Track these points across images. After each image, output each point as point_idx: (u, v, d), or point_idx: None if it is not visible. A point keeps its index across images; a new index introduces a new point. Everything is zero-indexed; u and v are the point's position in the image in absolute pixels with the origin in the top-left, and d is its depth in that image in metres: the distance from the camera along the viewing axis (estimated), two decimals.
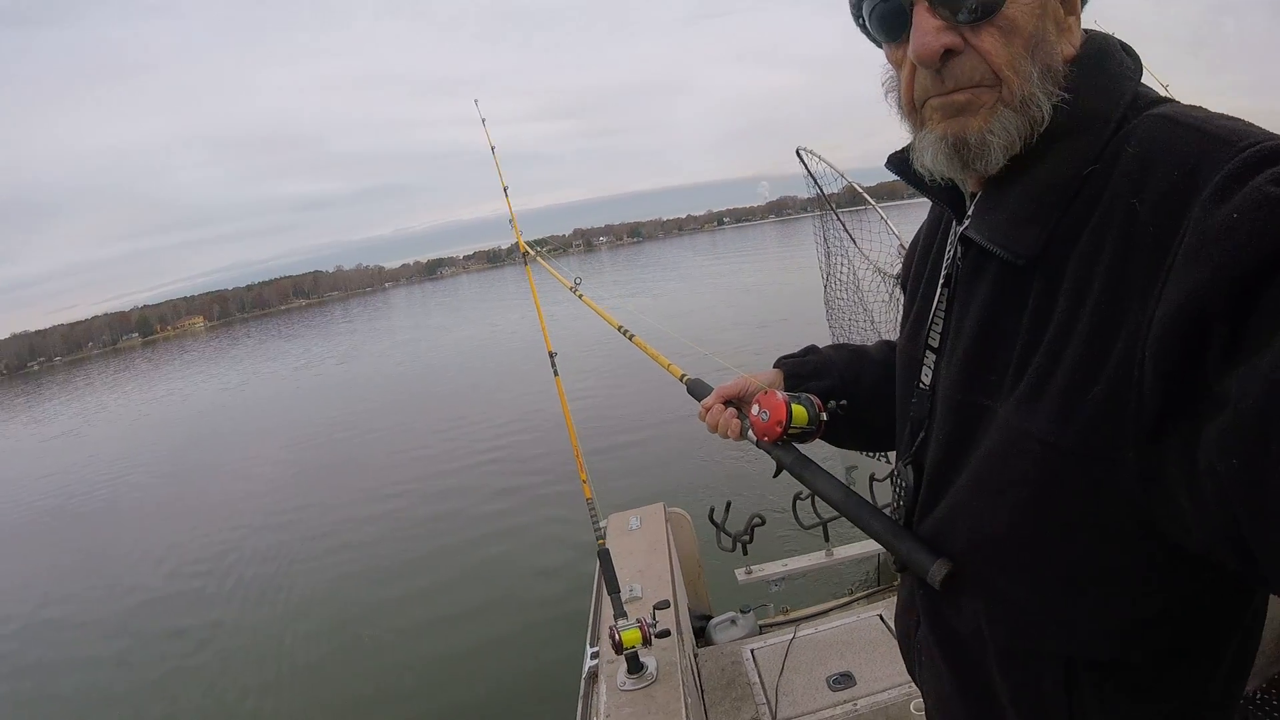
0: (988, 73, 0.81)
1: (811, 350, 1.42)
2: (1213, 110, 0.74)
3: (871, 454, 3.46)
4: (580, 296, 2.66)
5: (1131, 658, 0.83)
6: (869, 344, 1.45)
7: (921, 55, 0.81)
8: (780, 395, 1.20)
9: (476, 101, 3.82)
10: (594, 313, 2.45)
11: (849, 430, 1.30)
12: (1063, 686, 0.86)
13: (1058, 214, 0.80)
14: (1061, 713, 0.87)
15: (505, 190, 3.63)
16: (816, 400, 1.23)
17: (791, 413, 1.19)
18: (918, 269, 1.14)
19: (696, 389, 1.57)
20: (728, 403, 1.33)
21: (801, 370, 1.36)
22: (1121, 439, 0.70)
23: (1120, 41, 0.86)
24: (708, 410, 1.35)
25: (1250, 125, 0.69)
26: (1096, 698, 0.85)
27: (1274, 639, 2.76)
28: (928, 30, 0.80)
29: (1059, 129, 0.80)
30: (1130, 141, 0.75)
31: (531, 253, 3.44)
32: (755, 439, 1.25)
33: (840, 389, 1.31)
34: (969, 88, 0.82)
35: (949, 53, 0.81)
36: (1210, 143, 0.67)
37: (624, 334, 2.29)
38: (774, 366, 1.39)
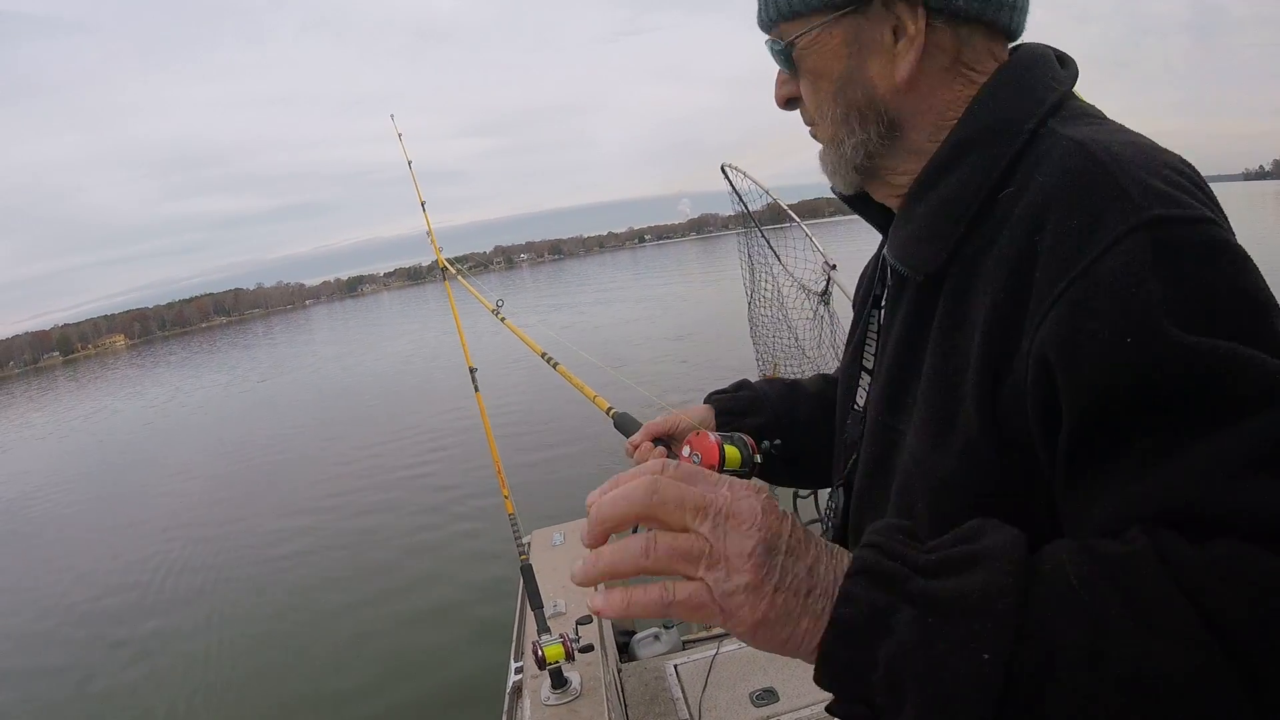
0: (811, 116, 0.92)
1: (744, 385, 1.38)
2: (1132, 132, 0.75)
3: (804, 493, 3.46)
4: (503, 320, 2.63)
5: None
6: (803, 377, 1.44)
7: (777, 103, 0.95)
8: (713, 437, 1.17)
9: (393, 116, 3.80)
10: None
11: (784, 468, 1.26)
12: None
13: (959, 231, 0.79)
14: None
15: (423, 205, 3.61)
16: (750, 440, 1.19)
17: (724, 455, 1.15)
18: (863, 290, 1.14)
19: (624, 424, 1.50)
20: (656, 441, 1.29)
21: (734, 407, 1.31)
22: (997, 481, 0.73)
23: (1056, 51, 0.85)
24: (635, 448, 1.30)
25: (1158, 158, 0.69)
26: None
27: None
28: (778, 82, 0.93)
29: (969, 141, 0.80)
30: (1040, 169, 0.73)
31: (451, 269, 3.41)
32: None
33: (774, 426, 1.27)
34: (809, 125, 0.94)
35: (791, 101, 0.93)
36: (1116, 195, 0.66)
37: (548, 361, 2.24)
38: (705, 402, 1.35)
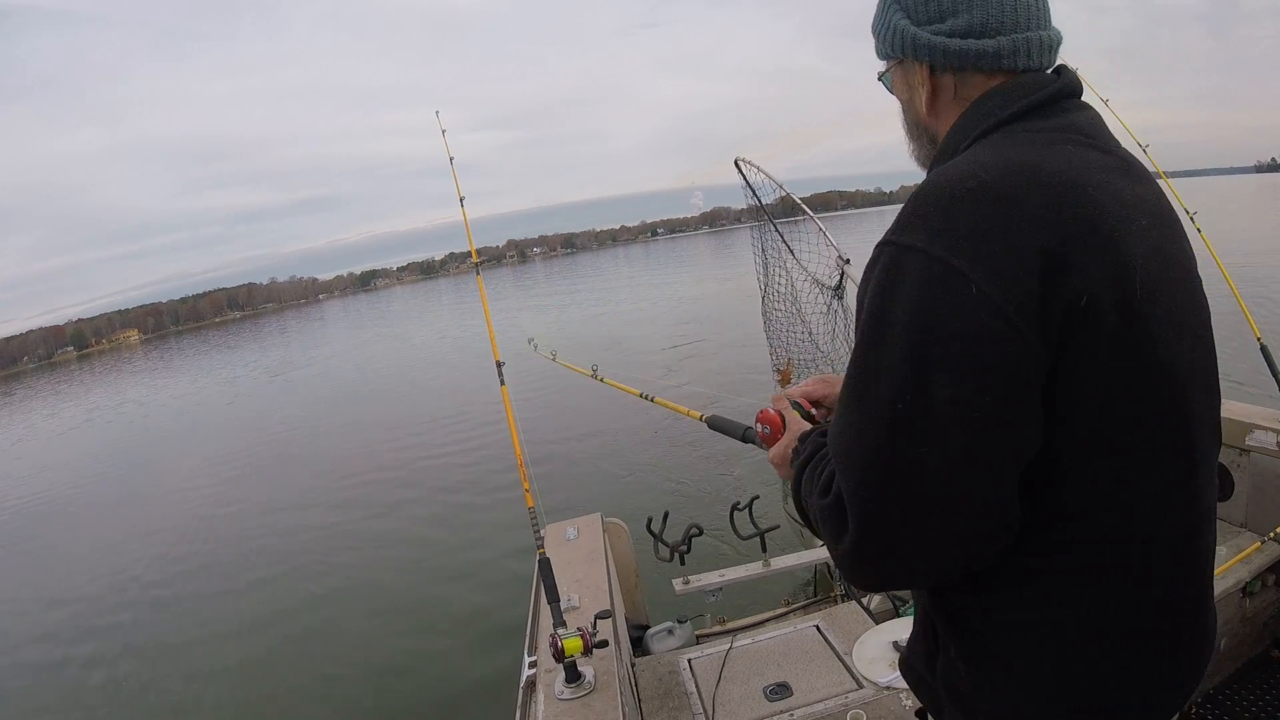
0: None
1: None
2: (985, 160, 0.93)
3: None
4: (602, 380, 3.16)
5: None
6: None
7: None
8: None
9: (438, 113, 3.85)
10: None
11: None
12: None
13: None
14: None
15: (462, 201, 3.62)
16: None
17: (784, 417, 1.39)
18: None
19: (719, 424, 1.95)
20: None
21: None
22: None
23: (1005, 86, 1.02)
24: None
25: (941, 190, 0.90)
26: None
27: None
28: None
29: (937, 158, 1.09)
30: None
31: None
32: None
33: None
34: None
35: None
36: (894, 220, 0.93)
37: (646, 398, 2.87)
38: None
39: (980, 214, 0.86)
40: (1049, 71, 1.05)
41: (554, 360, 3.33)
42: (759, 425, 1.38)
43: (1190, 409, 0.96)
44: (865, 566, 0.96)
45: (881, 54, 1.16)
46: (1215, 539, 1.09)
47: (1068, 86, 1.02)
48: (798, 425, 1.25)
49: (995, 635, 1.01)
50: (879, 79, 1.18)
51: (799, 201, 4.60)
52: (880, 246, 0.91)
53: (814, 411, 1.33)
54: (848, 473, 0.92)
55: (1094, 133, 1.00)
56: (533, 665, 2.50)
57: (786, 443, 1.23)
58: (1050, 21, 1.04)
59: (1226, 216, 30.55)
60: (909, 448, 0.86)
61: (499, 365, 3.14)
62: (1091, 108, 1.05)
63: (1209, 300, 1.05)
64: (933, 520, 0.88)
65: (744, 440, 1.65)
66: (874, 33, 1.15)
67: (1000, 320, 0.82)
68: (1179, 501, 0.98)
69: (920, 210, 0.90)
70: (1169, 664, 1.03)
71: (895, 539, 0.91)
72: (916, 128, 1.15)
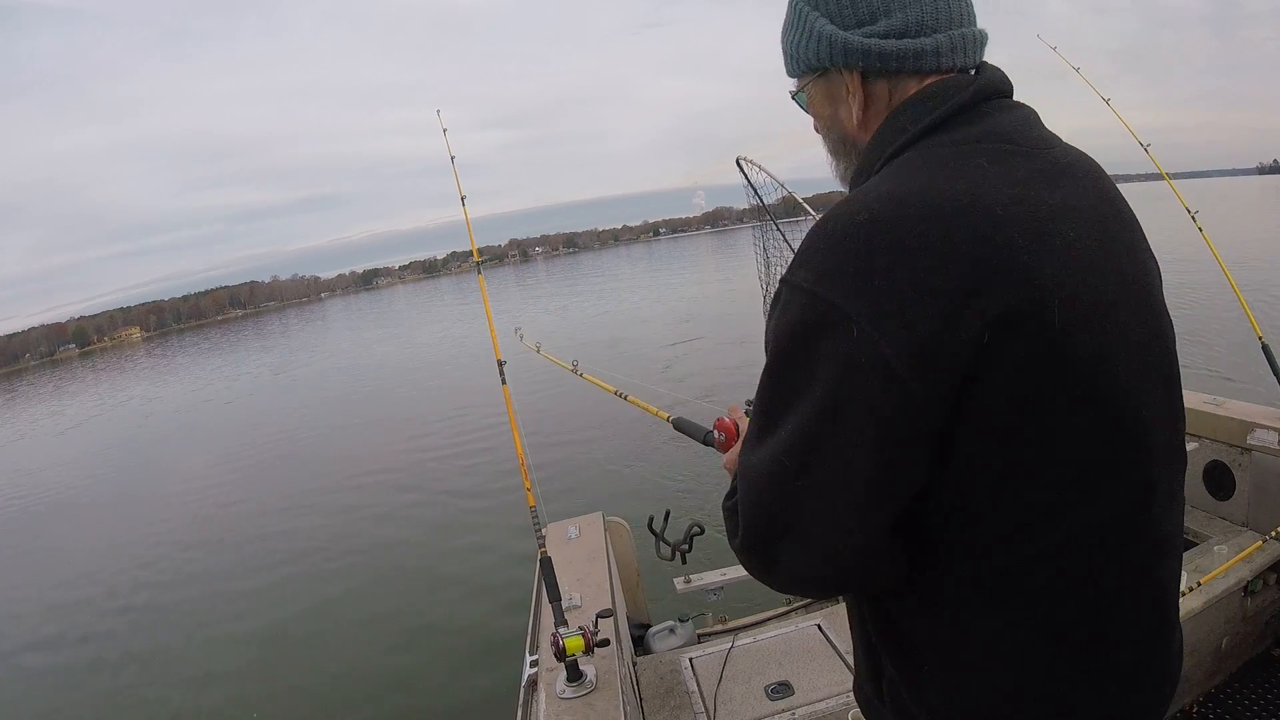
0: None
1: None
2: (883, 189, 0.88)
3: None
4: (582, 375, 3.13)
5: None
6: None
7: None
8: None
9: (439, 112, 3.84)
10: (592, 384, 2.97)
11: None
12: None
13: None
14: None
15: (463, 200, 3.62)
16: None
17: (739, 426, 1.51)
18: None
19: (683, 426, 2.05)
20: None
21: None
22: None
23: (920, 96, 0.97)
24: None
25: (836, 225, 0.87)
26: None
27: (1210, 653, 2.84)
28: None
29: (854, 178, 1.05)
30: None
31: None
32: None
33: None
34: None
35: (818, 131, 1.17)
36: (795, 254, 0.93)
37: (620, 396, 2.81)
38: None
39: (870, 252, 0.82)
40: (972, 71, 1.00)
41: (538, 352, 3.33)
42: (716, 432, 1.48)
43: (1139, 433, 0.92)
44: (754, 571, 1.00)
45: (798, 68, 1.08)
46: (1180, 563, 1.05)
47: (989, 86, 0.97)
48: None
49: (932, 659, 0.98)
50: (793, 98, 1.13)
51: (800, 200, 4.59)
52: (780, 283, 0.91)
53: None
54: (743, 486, 0.97)
55: (1018, 136, 0.94)
56: (534, 664, 2.50)
57: (736, 449, 1.20)
58: (976, 19, 1.00)
59: (1229, 218, 30.55)
60: (789, 480, 0.89)
61: (500, 365, 3.14)
62: (1022, 106, 0.99)
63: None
64: (808, 548, 0.92)
65: (705, 444, 1.75)
66: (785, 45, 1.08)
67: (880, 365, 0.80)
68: (1128, 529, 0.93)
69: (813, 247, 0.88)
70: (1124, 696, 0.98)
71: (775, 555, 0.95)
72: (844, 144, 1.09)
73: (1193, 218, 3.61)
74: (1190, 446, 3.11)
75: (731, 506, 1.00)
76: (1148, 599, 0.98)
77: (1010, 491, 0.87)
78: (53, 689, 6.82)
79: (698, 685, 3.11)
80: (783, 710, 2.86)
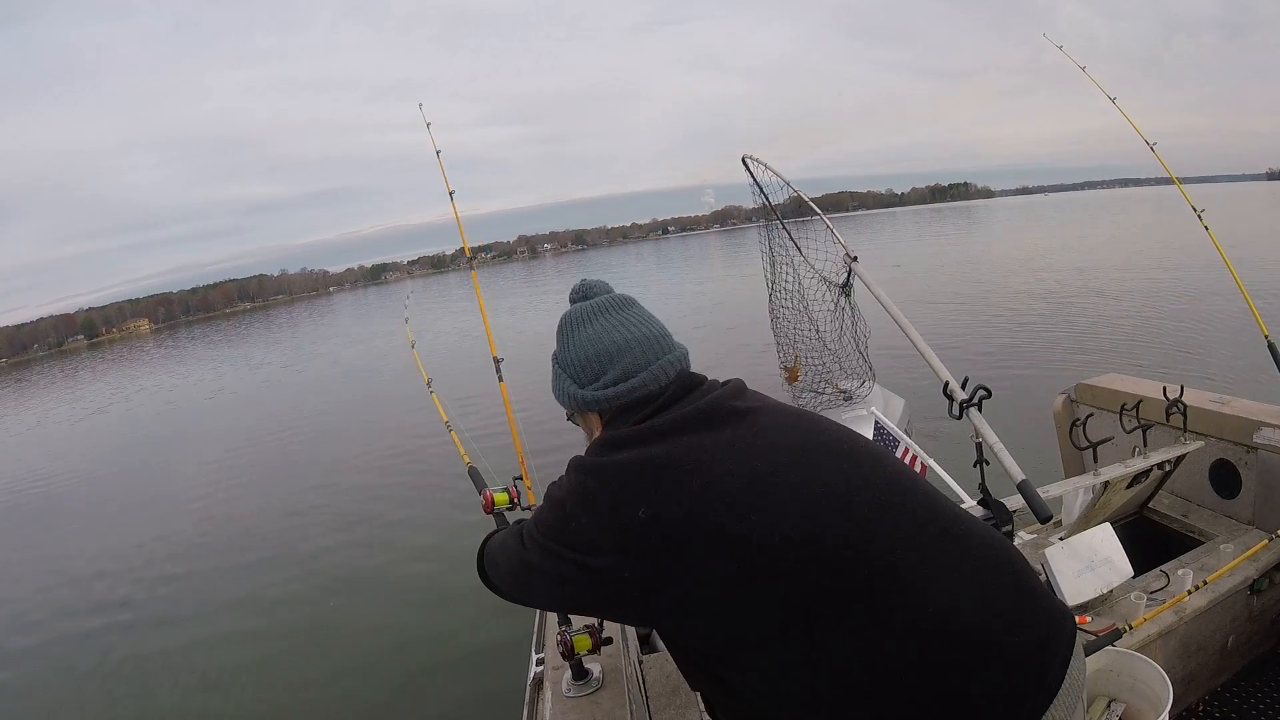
0: None
1: None
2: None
3: None
4: (432, 393, 3.41)
5: None
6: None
7: None
8: None
9: (420, 105, 3.82)
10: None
11: None
12: None
13: None
14: None
15: (451, 195, 3.60)
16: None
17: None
18: None
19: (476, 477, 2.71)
20: None
21: None
22: None
23: (626, 406, 1.39)
24: None
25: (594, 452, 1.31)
26: None
27: (1215, 651, 2.83)
28: None
29: None
30: None
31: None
32: None
33: None
34: None
35: None
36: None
37: (448, 427, 3.22)
38: None
39: (599, 489, 1.24)
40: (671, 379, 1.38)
41: (412, 349, 3.34)
42: (482, 500, 2.39)
43: (859, 573, 1.10)
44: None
45: (564, 407, 1.50)
46: (980, 537, 1.21)
47: (682, 388, 1.37)
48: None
49: None
50: (567, 419, 1.56)
51: (807, 200, 4.58)
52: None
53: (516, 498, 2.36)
54: (501, 566, 1.49)
55: (707, 408, 1.29)
56: (540, 662, 2.50)
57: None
58: (672, 345, 1.43)
59: (1237, 220, 30.45)
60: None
61: (497, 361, 3.15)
62: (712, 388, 1.38)
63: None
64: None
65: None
66: (554, 395, 1.50)
67: (593, 550, 1.21)
68: (869, 656, 1.08)
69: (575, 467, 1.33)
70: (1001, 677, 1.07)
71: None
72: (590, 439, 1.45)
73: (1199, 216, 3.59)
74: (1196, 445, 3.09)
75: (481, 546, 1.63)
76: (949, 603, 1.11)
77: (750, 635, 1.16)
78: (54, 684, 6.92)
79: None
80: None
